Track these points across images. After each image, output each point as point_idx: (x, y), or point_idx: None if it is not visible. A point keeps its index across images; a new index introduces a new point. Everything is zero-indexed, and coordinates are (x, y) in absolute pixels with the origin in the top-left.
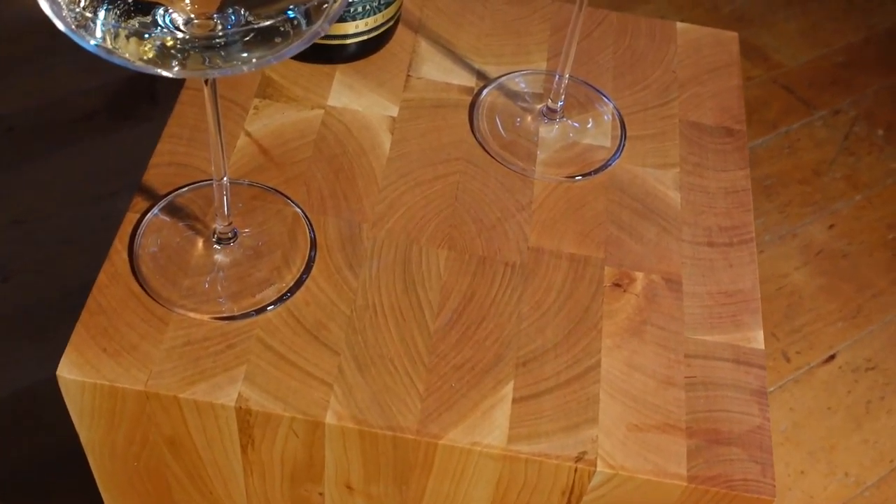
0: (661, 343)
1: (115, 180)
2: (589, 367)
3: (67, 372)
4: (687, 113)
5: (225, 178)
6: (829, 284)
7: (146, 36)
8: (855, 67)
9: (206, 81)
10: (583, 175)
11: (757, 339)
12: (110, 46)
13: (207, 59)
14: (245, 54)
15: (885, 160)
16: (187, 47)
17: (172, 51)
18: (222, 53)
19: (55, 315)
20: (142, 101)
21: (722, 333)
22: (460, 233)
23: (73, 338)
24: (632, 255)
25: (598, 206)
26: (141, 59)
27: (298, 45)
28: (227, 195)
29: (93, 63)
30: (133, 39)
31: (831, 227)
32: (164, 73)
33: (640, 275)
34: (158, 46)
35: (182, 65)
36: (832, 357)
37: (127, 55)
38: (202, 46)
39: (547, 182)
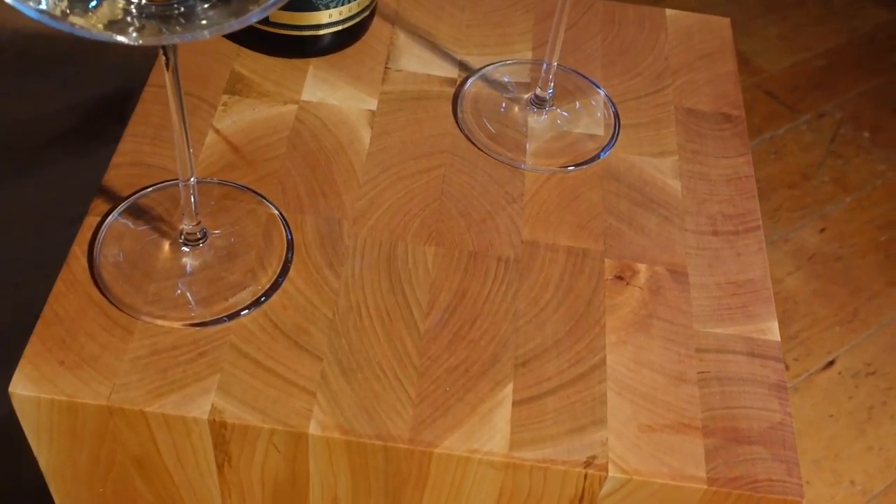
0: (670, 337)
1: (85, 203)
2: (594, 365)
3: (22, 388)
4: (682, 100)
5: (192, 178)
6: (823, 289)
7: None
8: (837, 70)
9: (166, 65)
10: (576, 165)
11: (771, 330)
12: (57, 12)
13: (165, 27)
14: (205, 19)
15: (872, 162)
16: (143, 12)
17: (127, 15)
18: (181, 20)
19: (25, 340)
20: (111, 121)
21: (734, 325)
22: (448, 228)
23: (27, 350)
24: (633, 247)
25: (594, 196)
26: (96, 26)
27: (265, 9)
28: (194, 194)
29: (61, 84)
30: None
31: (822, 230)
32: (121, 40)
33: (642, 267)
34: (110, 10)
35: (139, 31)
36: (831, 363)
37: (78, 22)
38: (160, 11)
39: (538, 173)
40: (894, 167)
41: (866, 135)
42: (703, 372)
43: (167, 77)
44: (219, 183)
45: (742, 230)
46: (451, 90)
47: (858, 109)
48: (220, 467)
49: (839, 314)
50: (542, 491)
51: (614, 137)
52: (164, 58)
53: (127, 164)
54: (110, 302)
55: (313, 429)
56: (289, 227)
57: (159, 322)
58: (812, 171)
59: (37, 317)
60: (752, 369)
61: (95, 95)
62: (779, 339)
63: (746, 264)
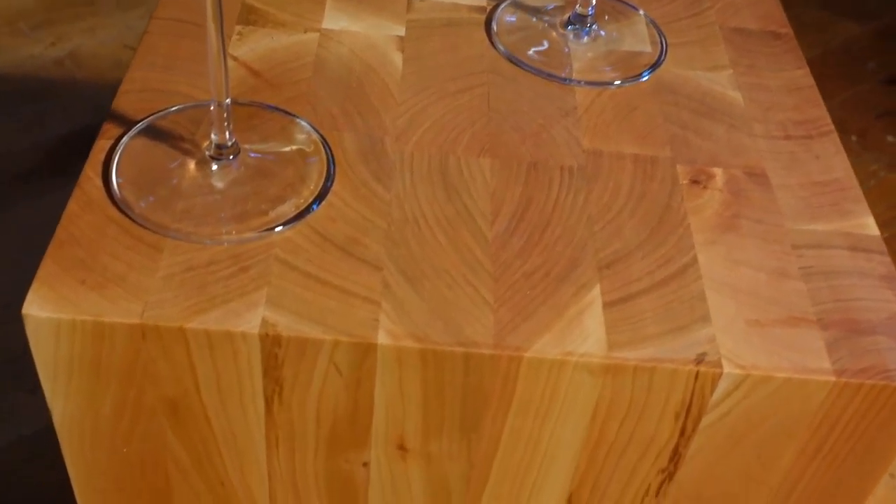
0: (762, 236)
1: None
2: (685, 265)
3: (38, 309)
4: (726, 20)
5: (227, 100)
6: None
7: None
8: (818, 80)
9: None
10: (628, 80)
11: (869, 225)
12: None
13: None
14: None
15: (864, 163)
16: None
17: None
18: None
19: None
20: (79, 160)
21: (828, 223)
22: (501, 141)
23: (41, 272)
24: (703, 153)
25: (652, 108)
26: None
27: None
28: (227, 112)
29: (27, 122)
30: None
31: None
32: None
33: (718, 170)
34: None
35: None
36: None
37: None
38: None
39: (589, 89)
40: (886, 167)
41: (854, 139)
42: (805, 267)
43: None
44: (245, 104)
45: (815, 134)
46: (482, 17)
47: (843, 115)
48: (268, 403)
49: None
50: (644, 402)
51: (663, 53)
52: None
53: (136, 90)
54: (133, 221)
55: (382, 339)
56: (327, 143)
57: (192, 238)
58: None
59: (8, 358)
60: (857, 263)
61: (62, 133)
62: (878, 233)
63: (827, 166)
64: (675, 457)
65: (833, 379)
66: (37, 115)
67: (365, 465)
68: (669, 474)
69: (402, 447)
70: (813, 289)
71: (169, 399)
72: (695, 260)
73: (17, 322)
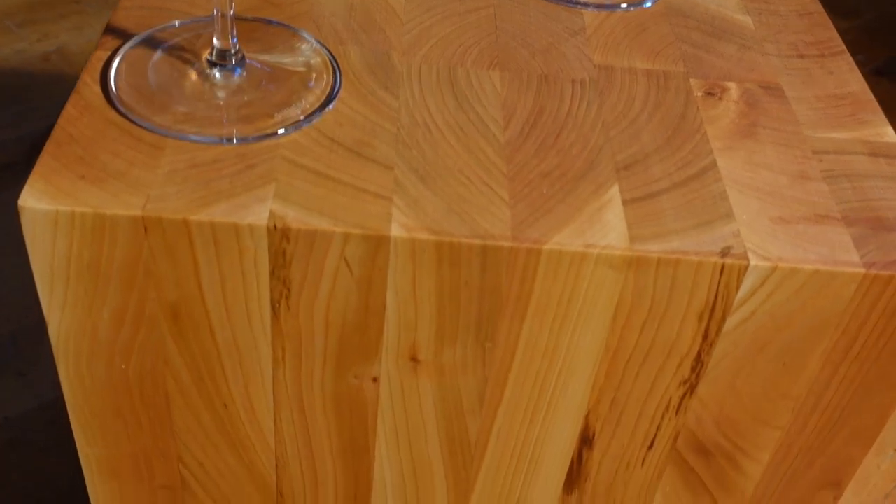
0: (782, 143)
1: None
2: (705, 167)
3: (35, 201)
4: None
5: (231, 10)
6: None
7: None
8: None
9: None
10: (635, 3)
11: (888, 133)
12: None
13: None
14: None
15: None
16: None
17: None
18: None
19: None
20: None
21: (847, 131)
22: (510, 56)
23: (38, 167)
24: (716, 69)
25: (663, 29)
26: None
27: None
28: (231, 10)
29: (14, 115)
30: None
31: None
32: None
33: (732, 84)
34: None
35: None
36: None
37: None
38: None
39: (597, 12)
40: None
41: None
42: (827, 170)
43: None
44: (248, 19)
45: (828, 54)
46: None
47: None
48: (275, 309)
49: None
50: (667, 301)
51: None
52: None
53: (135, 7)
54: (133, 122)
55: (396, 231)
56: (332, 55)
57: (195, 138)
58: None
59: None
60: (879, 167)
61: (50, 124)
62: None
63: (842, 81)
64: (698, 366)
65: (862, 271)
66: (24, 108)
67: (374, 380)
68: (691, 386)
69: (414, 358)
70: (836, 189)
71: (171, 305)
72: (714, 164)
73: (4, 307)
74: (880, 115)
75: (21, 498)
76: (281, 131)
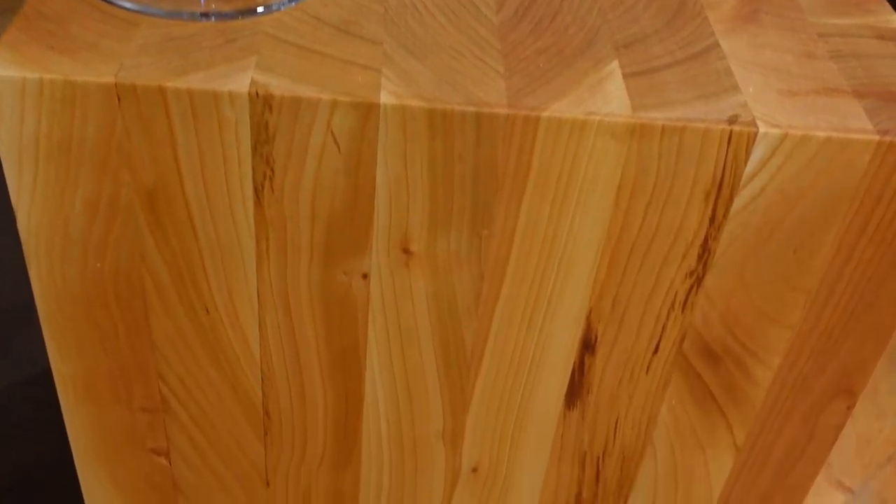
0: (785, 27)
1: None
2: (707, 47)
3: (2, 69)
4: None
5: None
6: None
7: None
8: None
9: None
10: None
11: (894, 21)
12: None
13: None
14: None
15: None
16: None
17: None
18: None
19: None
20: None
21: (852, 18)
22: None
23: (4, 38)
24: None
25: None
26: None
27: None
28: None
29: None
30: None
31: None
32: None
33: None
34: None
35: None
36: None
37: None
38: None
39: None
40: None
41: None
42: (833, 51)
43: None
44: None
45: None
46: None
47: None
48: (258, 193)
49: None
50: (673, 176)
51: None
52: None
53: None
54: (105, 1)
55: (386, 98)
56: None
57: (171, 14)
58: None
59: None
60: (888, 49)
61: None
62: None
63: None
64: (705, 254)
65: (876, 138)
66: None
67: (365, 277)
68: (698, 279)
69: (406, 250)
70: (844, 67)
71: (147, 191)
72: (716, 44)
73: None
74: (885, 5)
75: (10, 469)
76: (261, 9)
